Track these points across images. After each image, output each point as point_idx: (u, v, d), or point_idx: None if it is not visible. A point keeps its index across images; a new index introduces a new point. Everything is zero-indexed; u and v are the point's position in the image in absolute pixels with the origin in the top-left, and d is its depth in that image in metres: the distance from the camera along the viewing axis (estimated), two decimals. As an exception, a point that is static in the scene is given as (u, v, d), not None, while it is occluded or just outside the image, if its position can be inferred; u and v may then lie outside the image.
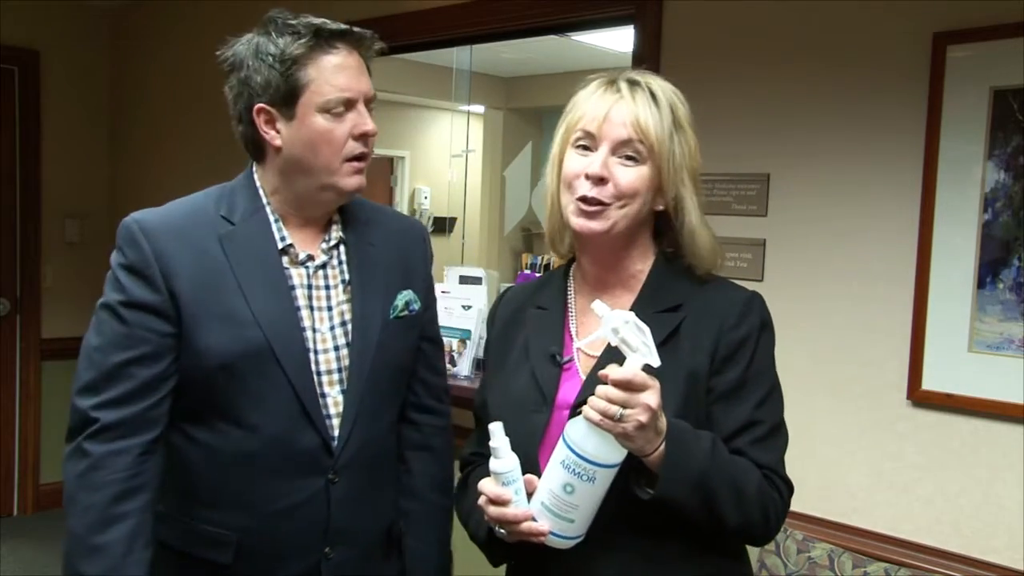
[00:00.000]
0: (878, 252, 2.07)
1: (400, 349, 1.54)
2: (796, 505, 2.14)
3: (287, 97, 1.40)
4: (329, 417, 1.44)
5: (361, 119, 1.42)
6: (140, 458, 1.36)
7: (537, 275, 6.67)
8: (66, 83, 4.46)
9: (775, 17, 2.22)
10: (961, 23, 1.92)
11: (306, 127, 1.40)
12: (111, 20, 4.58)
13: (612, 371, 1.11)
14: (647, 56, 2.40)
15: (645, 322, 1.17)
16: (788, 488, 1.28)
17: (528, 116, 6.55)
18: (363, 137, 1.43)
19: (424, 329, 1.61)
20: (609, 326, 1.13)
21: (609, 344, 1.18)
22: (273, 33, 1.42)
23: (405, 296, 1.53)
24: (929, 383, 1.98)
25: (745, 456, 1.22)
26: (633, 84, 1.27)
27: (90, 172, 4.60)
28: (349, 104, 1.41)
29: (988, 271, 1.89)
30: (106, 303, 1.41)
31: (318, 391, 1.43)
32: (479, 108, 6.44)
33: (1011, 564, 1.88)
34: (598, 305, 1.16)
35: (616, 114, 1.24)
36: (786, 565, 2.01)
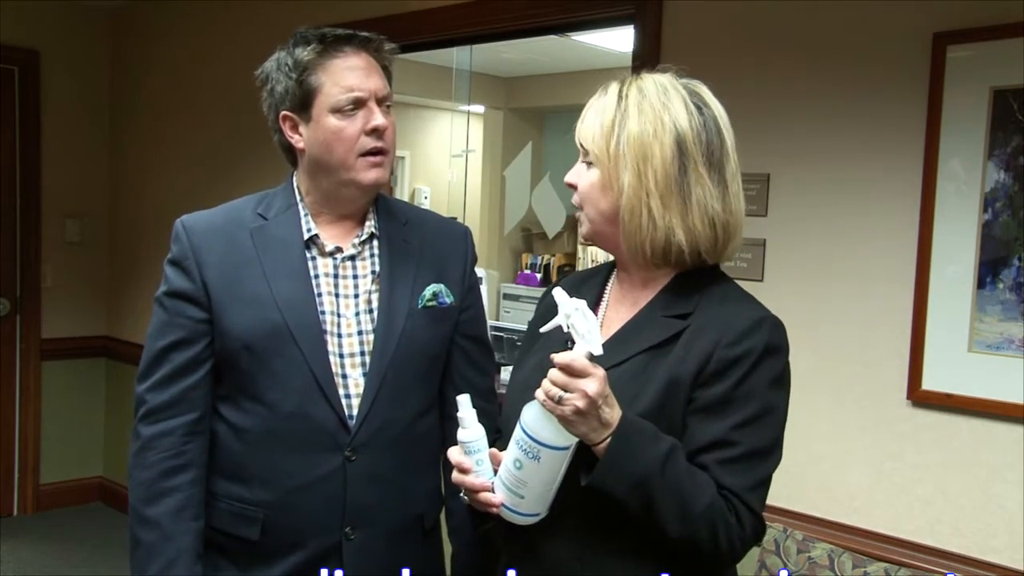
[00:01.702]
0: (878, 252, 2.07)
1: (428, 339, 1.58)
2: (796, 505, 2.15)
3: (303, 102, 1.51)
4: (349, 396, 1.51)
5: (371, 115, 1.50)
6: (184, 438, 1.50)
7: (537, 275, 6.62)
8: (66, 83, 4.46)
9: (775, 17, 2.23)
10: (961, 23, 1.92)
11: (321, 128, 1.50)
12: (111, 20, 4.58)
13: (558, 355, 1.15)
14: (647, 56, 2.40)
15: (652, 324, 1.24)
16: (753, 517, 1.21)
17: (528, 116, 6.55)
18: (375, 132, 1.50)
19: (463, 326, 1.64)
20: (563, 312, 1.18)
21: (617, 333, 1.24)
22: (291, 46, 1.54)
23: (434, 288, 1.59)
24: (929, 383, 1.98)
25: (710, 474, 1.20)
26: (603, 92, 1.31)
27: (90, 172, 4.60)
28: (358, 103, 1.50)
29: (988, 271, 1.90)
30: (156, 296, 1.55)
31: (339, 371, 1.51)
32: (479, 108, 6.44)
33: (1011, 564, 1.88)
34: (557, 292, 1.21)
35: (578, 125, 1.32)
36: (786, 565, 2.01)
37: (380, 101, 1.52)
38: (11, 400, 4.40)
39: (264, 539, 1.50)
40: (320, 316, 1.51)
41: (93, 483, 4.68)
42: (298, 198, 1.58)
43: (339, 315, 1.53)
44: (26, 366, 4.42)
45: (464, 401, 1.29)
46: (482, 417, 1.41)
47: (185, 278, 1.52)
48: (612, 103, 1.28)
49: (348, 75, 1.49)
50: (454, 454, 1.29)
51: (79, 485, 4.63)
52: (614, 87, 1.30)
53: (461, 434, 1.28)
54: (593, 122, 1.29)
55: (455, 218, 1.82)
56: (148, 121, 4.42)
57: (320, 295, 1.53)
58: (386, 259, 1.57)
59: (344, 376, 1.52)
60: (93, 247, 4.64)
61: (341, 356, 1.52)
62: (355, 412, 1.51)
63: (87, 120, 4.57)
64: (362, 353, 1.53)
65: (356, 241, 1.57)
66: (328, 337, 1.51)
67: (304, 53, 1.50)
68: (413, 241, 1.61)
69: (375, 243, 1.59)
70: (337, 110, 1.49)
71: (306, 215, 1.56)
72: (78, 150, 4.54)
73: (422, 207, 1.75)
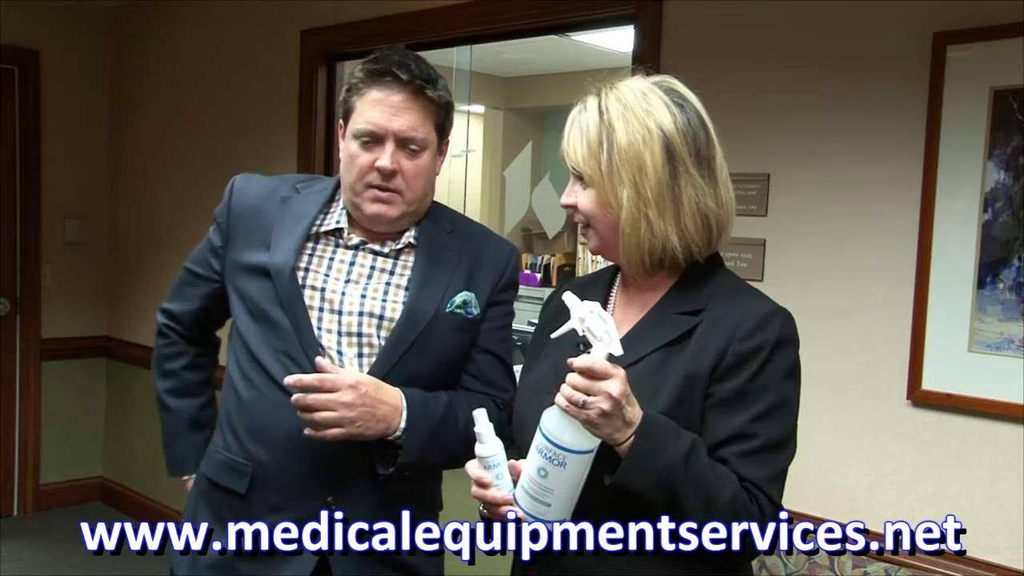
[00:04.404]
0: (878, 252, 2.07)
1: (446, 344, 1.60)
2: (796, 505, 2.15)
3: (345, 117, 1.58)
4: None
5: (381, 154, 1.52)
6: (181, 337, 1.80)
7: (537, 275, 6.59)
8: (66, 83, 4.46)
9: (775, 17, 2.23)
10: (961, 23, 1.92)
11: (346, 147, 1.57)
12: (111, 20, 4.58)
13: (576, 359, 1.15)
14: (647, 57, 2.40)
15: (664, 322, 1.25)
16: (774, 508, 1.23)
17: (528, 116, 6.55)
18: (380, 171, 1.52)
19: (480, 338, 1.65)
20: (576, 316, 1.17)
21: (629, 333, 1.25)
22: (365, 59, 1.59)
23: (465, 296, 1.61)
24: (929, 383, 1.98)
25: (730, 467, 1.21)
26: (582, 108, 1.31)
27: (90, 172, 4.60)
28: (374, 137, 1.52)
29: (988, 271, 1.90)
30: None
31: (335, 347, 1.56)
32: (479, 108, 6.44)
33: (1011, 564, 1.88)
34: (568, 296, 1.21)
35: (563, 146, 1.32)
36: (786, 565, 2.01)
37: (402, 142, 1.53)
38: (11, 400, 4.40)
39: (250, 495, 1.56)
40: (314, 291, 1.57)
41: (93, 483, 4.68)
42: (343, 198, 1.62)
43: (343, 293, 1.58)
44: (26, 366, 4.42)
45: (481, 416, 1.29)
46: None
47: (216, 233, 1.69)
48: (594, 118, 1.28)
49: (374, 108, 1.52)
50: (473, 468, 1.28)
51: (79, 485, 4.63)
52: (592, 101, 1.29)
53: (479, 448, 1.28)
54: (578, 141, 1.29)
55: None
56: (148, 121, 4.42)
57: (328, 276, 1.58)
58: (422, 262, 1.60)
59: (340, 353, 1.56)
60: (93, 247, 4.64)
61: (339, 334, 1.56)
62: None
63: (87, 120, 4.57)
64: (359, 335, 1.57)
65: (391, 245, 1.61)
66: (326, 314, 1.56)
67: (357, 71, 1.55)
68: (453, 248, 1.63)
69: (412, 253, 1.62)
70: (356, 137, 1.54)
71: (343, 210, 1.61)
72: (78, 150, 4.54)
73: (476, 222, 1.80)
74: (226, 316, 1.74)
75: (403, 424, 1.50)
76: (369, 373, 1.54)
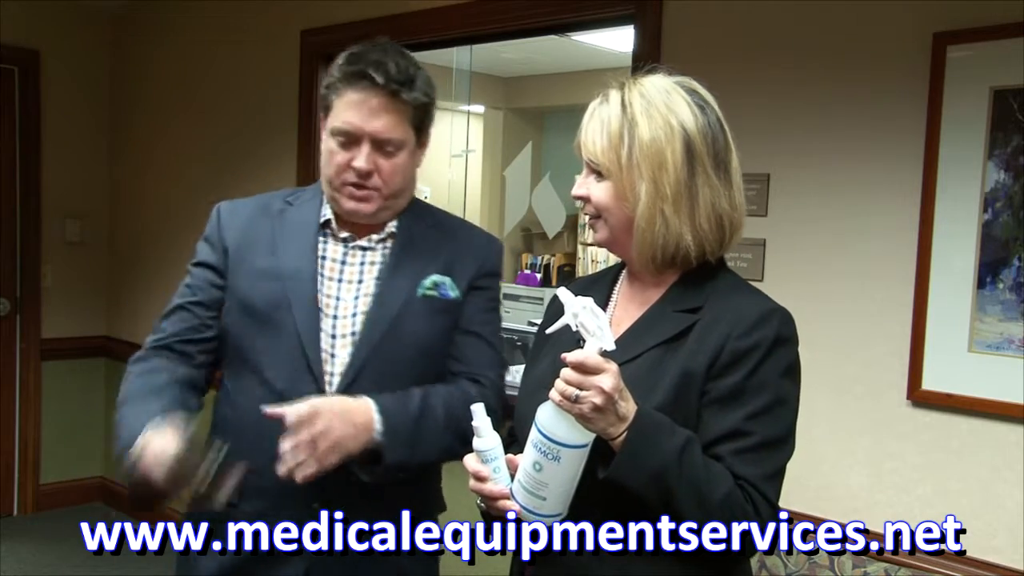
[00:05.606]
0: (878, 252, 2.07)
1: (422, 329, 1.59)
2: (796, 505, 2.15)
3: (324, 113, 1.59)
4: (333, 375, 1.56)
5: (357, 156, 1.53)
6: (165, 365, 1.62)
7: (537, 275, 6.59)
8: (66, 83, 4.46)
9: (775, 17, 2.23)
10: (961, 23, 1.92)
11: (324, 143, 1.58)
12: (111, 20, 4.58)
13: (569, 354, 1.16)
14: (647, 56, 2.40)
15: (663, 319, 1.26)
16: (769, 507, 1.22)
17: (528, 116, 6.56)
18: (356, 171, 1.53)
19: (460, 320, 1.63)
20: (570, 311, 1.18)
21: (628, 330, 1.27)
22: (343, 54, 1.59)
23: (436, 278, 1.61)
24: (929, 383, 1.98)
25: (725, 464, 1.21)
26: (603, 100, 1.31)
27: (90, 172, 4.60)
28: (350, 138, 1.53)
29: (988, 271, 1.90)
30: (187, 267, 1.69)
31: (329, 350, 1.56)
32: (479, 108, 6.45)
33: (1011, 564, 1.88)
34: (561, 292, 1.21)
35: (581, 137, 1.32)
36: (786, 565, 2.01)
37: (379, 144, 1.53)
38: (11, 400, 4.40)
39: (243, 504, 1.52)
40: (319, 293, 1.57)
41: (93, 483, 4.68)
42: (324, 191, 1.64)
43: (338, 298, 1.58)
44: (26, 366, 4.42)
45: (479, 410, 1.28)
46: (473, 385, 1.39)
47: (211, 251, 1.65)
48: (616, 111, 1.28)
49: (351, 109, 1.52)
50: (470, 462, 1.29)
51: (79, 485, 4.63)
52: (615, 94, 1.30)
53: (477, 443, 1.28)
54: (599, 133, 1.29)
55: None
56: (148, 121, 4.42)
57: (322, 276, 1.59)
58: (397, 251, 1.61)
59: (333, 356, 1.56)
60: (93, 247, 4.64)
61: (333, 336, 1.57)
62: (336, 391, 1.53)
63: (87, 120, 4.57)
64: (353, 335, 1.57)
65: (375, 238, 1.62)
66: (323, 317, 1.56)
67: (335, 69, 1.56)
68: (431, 240, 1.63)
69: (389, 241, 1.63)
70: (333, 136, 1.55)
71: (326, 203, 1.63)
72: (78, 150, 4.55)
73: (462, 218, 1.81)
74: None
75: (378, 426, 1.47)
76: (347, 367, 1.54)
